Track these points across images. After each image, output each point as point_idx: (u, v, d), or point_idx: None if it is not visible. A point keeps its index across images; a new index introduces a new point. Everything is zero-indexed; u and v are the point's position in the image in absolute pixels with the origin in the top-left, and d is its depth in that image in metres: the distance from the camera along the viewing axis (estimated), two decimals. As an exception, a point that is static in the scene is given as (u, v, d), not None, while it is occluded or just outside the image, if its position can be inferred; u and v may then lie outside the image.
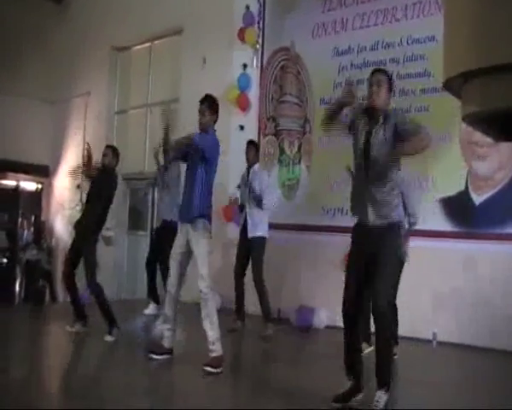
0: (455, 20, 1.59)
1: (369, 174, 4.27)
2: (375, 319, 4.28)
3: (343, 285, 8.25)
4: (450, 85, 1.62)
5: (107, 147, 7.29)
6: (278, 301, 8.58)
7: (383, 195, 4.23)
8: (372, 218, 4.26)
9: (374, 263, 4.19)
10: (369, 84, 4.39)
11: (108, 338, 6.42)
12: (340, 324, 7.82)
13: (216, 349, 5.18)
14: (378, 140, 4.25)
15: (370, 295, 5.78)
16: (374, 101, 4.31)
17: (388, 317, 4.26)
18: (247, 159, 7.64)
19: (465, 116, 1.65)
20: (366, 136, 4.32)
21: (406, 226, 5.64)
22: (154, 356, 5.49)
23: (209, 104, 5.50)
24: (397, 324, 6.02)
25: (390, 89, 4.39)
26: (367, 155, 4.29)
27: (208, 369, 5.08)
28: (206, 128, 5.45)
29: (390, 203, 4.26)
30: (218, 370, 5.12)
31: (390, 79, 4.45)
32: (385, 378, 4.18)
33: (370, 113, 4.37)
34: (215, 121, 5.55)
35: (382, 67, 4.80)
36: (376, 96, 4.30)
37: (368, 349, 5.82)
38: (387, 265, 4.19)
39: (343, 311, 4.38)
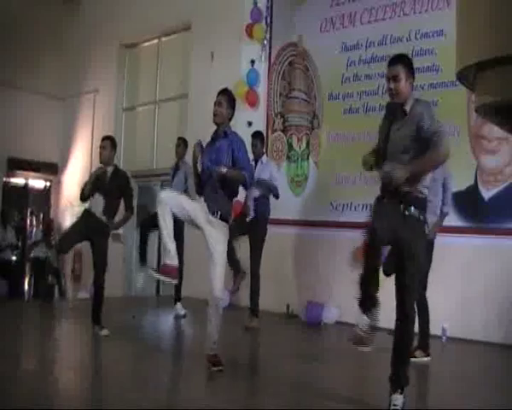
0: (468, 10, 1.58)
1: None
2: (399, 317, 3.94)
3: (352, 281, 8.25)
4: (464, 76, 1.60)
5: (106, 138, 6.93)
6: (287, 296, 8.59)
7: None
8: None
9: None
10: (386, 77, 4.07)
11: (105, 332, 6.40)
12: (350, 319, 7.84)
13: (215, 348, 5.05)
14: (397, 136, 3.95)
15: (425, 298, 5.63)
16: (393, 98, 4.02)
17: (413, 315, 4.02)
18: (253, 152, 7.59)
19: (479, 107, 1.64)
20: (386, 132, 4.05)
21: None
22: (216, 368, 5.06)
23: (228, 97, 5.24)
24: (428, 324, 5.82)
25: (410, 76, 3.98)
26: (384, 151, 4.02)
27: (220, 368, 4.98)
28: (223, 123, 5.21)
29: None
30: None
31: (409, 64, 4.03)
32: (402, 381, 3.90)
33: (391, 108, 4.11)
34: (230, 118, 5.29)
35: (400, 53, 4.35)
36: (395, 93, 3.98)
37: (425, 358, 5.73)
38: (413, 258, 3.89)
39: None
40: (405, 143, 3.88)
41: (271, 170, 7.64)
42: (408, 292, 3.92)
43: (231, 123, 5.38)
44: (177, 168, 8.20)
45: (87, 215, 6.74)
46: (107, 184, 6.71)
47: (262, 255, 7.44)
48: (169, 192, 5.24)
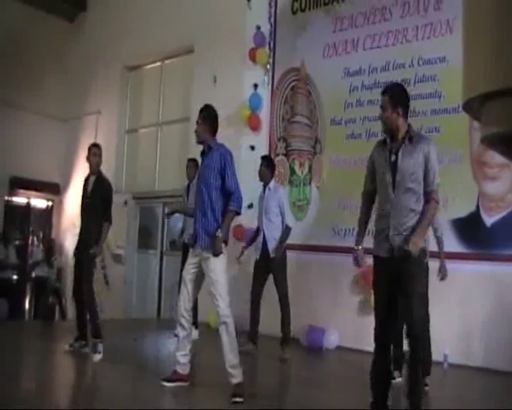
0: (474, 40, 1.60)
1: (395, 196, 4.11)
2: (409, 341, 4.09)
3: (353, 306, 8.22)
4: (470, 107, 1.61)
5: (95, 146, 6.96)
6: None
7: (407, 217, 4.09)
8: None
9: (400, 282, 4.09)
10: None
11: (97, 357, 6.27)
12: (351, 345, 7.83)
13: (238, 375, 4.94)
14: (405, 164, 4.08)
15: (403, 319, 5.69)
16: (382, 125, 4.26)
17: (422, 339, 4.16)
18: (260, 175, 7.48)
19: (484, 138, 1.65)
20: (390, 159, 4.17)
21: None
22: (167, 384, 5.19)
23: (202, 114, 5.30)
24: (430, 354, 5.83)
25: (395, 104, 4.14)
26: (393, 177, 4.12)
27: (237, 399, 4.81)
28: (205, 140, 5.26)
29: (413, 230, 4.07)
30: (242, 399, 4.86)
31: (395, 94, 4.23)
32: (418, 405, 3.99)
33: (390, 137, 4.24)
34: (214, 130, 5.31)
35: (390, 84, 4.58)
36: (382, 121, 4.24)
37: (398, 378, 5.69)
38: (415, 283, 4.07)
39: (375, 338, 4.19)
40: (415, 172, 4.07)
41: (280, 198, 7.35)
42: (413, 312, 4.03)
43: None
44: (188, 190, 8.05)
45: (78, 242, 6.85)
46: (90, 193, 6.75)
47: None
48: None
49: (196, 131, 5.31)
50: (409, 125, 4.20)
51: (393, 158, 4.13)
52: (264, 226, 7.31)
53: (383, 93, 4.27)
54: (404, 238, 4.04)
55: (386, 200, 4.17)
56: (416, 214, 4.07)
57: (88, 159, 6.89)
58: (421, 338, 4.11)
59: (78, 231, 7.01)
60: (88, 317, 6.57)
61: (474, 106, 1.63)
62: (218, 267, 5.05)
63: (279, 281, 7.25)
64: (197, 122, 5.30)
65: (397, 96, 4.21)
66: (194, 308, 7.98)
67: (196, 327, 8.10)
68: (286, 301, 7.23)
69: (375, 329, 4.19)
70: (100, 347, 6.33)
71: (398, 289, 4.08)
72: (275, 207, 7.27)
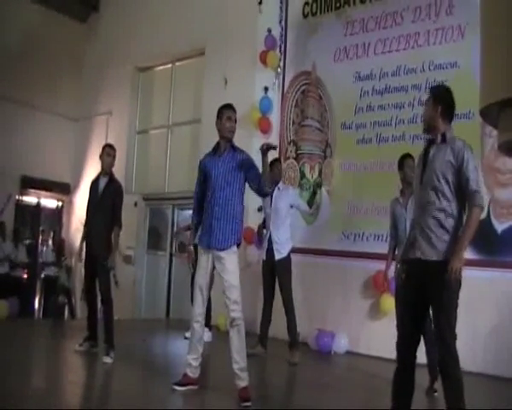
0: (492, 47, 1.60)
1: (421, 196, 4.03)
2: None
3: (363, 310, 8.19)
4: (487, 113, 1.62)
5: (111, 147, 6.92)
6: (297, 324, 8.54)
7: (434, 218, 3.94)
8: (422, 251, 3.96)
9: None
10: None
11: (108, 360, 6.24)
12: (361, 350, 7.82)
13: (245, 378, 4.96)
14: (434, 162, 3.99)
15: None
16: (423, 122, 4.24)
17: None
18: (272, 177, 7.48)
19: (501, 144, 1.65)
20: (423, 157, 4.13)
21: None
22: (178, 388, 5.19)
23: (236, 113, 5.37)
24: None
25: (436, 103, 4.07)
26: (421, 175, 4.07)
27: (247, 404, 4.80)
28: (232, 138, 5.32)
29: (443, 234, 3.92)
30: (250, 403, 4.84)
31: (436, 93, 4.17)
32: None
33: (430, 137, 4.21)
34: None
35: (441, 84, 4.40)
36: (423, 118, 4.24)
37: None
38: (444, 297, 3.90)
39: (398, 354, 4.04)
40: (443, 171, 3.94)
41: (291, 197, 7.41)
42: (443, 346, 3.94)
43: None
44: None
45: (87, 249, 6.77)
46: (101, 194, 6.72)
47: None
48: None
49: (233, 130, 5.30)
50: (449, 127, 4.11)
51: (426, 158, 4.09)
52: (272, 227, 7.29)
53: (430, 92, 4.26)
54: (430, 243, 3.91)
55: (415, 199, 4.16)
56: (445, 216, 3.91)
57: (101, 157, 6.82)
58: (455, 375, 3.91)
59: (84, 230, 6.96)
60: (104, 324, 6.52)
61: (492, 112, 1.63)
62: (234, 270, 5.07)
63: (283, 285, 7.23)
64: (233, 119, 5.29)
65: (439, 95, 4.15)
66: (208, 310, 8.03)
67: (210, 329, 8.12)
68: (290, 305, 7.20)
69: (398, 344, 4.05)
70: (112, 353, 6.32)
71: (425, 302, 3.97)
72: (286, 207, 7.28)
